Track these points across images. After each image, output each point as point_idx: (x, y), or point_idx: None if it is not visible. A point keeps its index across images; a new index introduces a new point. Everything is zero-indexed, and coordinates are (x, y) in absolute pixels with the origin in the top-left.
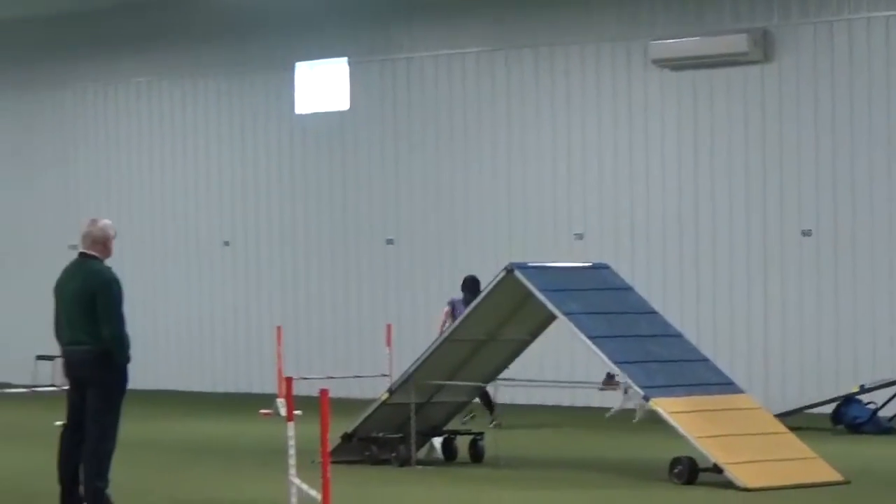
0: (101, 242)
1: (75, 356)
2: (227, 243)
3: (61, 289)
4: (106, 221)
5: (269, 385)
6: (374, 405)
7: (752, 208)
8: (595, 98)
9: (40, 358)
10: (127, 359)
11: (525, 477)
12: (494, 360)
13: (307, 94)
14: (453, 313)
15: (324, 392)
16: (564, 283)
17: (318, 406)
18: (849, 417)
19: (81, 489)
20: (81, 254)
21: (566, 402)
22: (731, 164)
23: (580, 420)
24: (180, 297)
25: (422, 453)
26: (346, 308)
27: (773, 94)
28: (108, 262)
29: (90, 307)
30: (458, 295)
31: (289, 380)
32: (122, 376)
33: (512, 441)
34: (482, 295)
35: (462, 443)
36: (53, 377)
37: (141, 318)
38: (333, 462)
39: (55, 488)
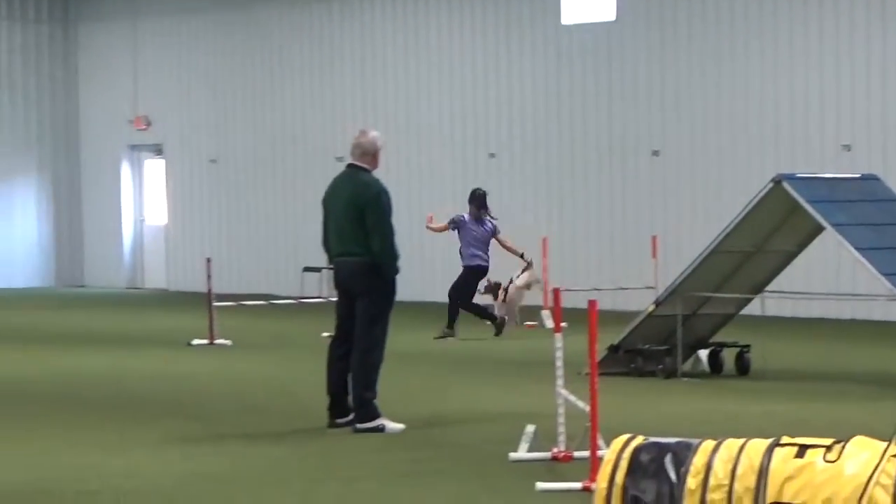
0: (371, 154)
1: (344, 268)
2: (492, 155)
3: (330, 200)
4: (375, 133)
5: (534, 297)
6: (641, 317)
7: None
8: (864, 5)
9: (307, 269)
10: (396, 270)
11: (791, 390)
12: (761, 272)
13: (573, 4)
14: (459, 232)
15: (592, 303)
16: (832, 195)
17: (581, 318)
18: None
19: (349, 399)
20: (350, 165)
21: (833, 315)
22: None
23: (847, 332)
24: (446, 210)
25: (687, 365)
26: (611, 220)
27: None
28: (375, 174)
29: (360, 219)
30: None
31: (556, 291)
32: (391, 287)
33: (778, 354)
34: (749, 206)
35: (728, 355)
36: (320, 288)
37: (408, 230)
38: (599, 374)
39: (324, 398)
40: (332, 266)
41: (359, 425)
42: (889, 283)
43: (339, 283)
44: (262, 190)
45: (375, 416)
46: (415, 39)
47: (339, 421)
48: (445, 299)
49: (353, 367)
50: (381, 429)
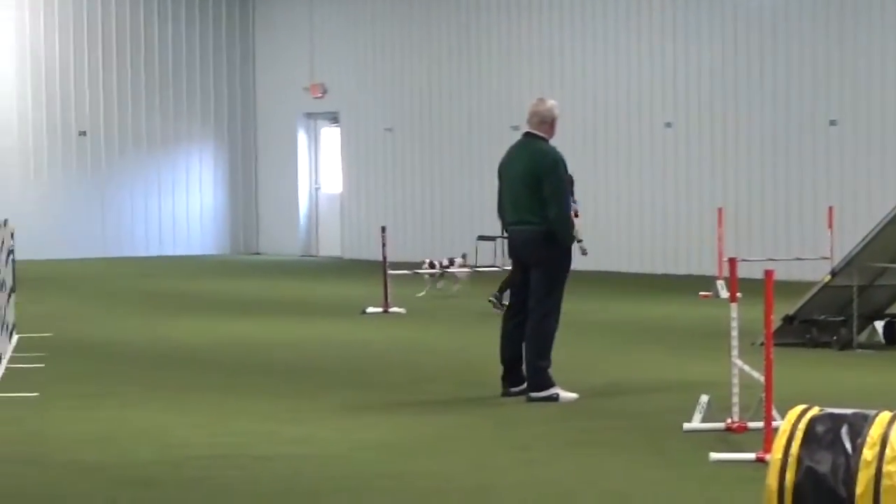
0: (548, 122)
1: (519, 237)
2: (668, 125)
3: (506, 169)
4: (552, 101)
5: (708, 267)
6: (816, 287)
7: None
8: None
9: (481, 238)
10: (571, 239)
11: None
12: None
13: None
14: None
15: (769, 273)
16: None
17: (756, 288)
18: None
19: (523, 368)
20: (527, 133)
21: None
22: None
23: None
24: (622, 179)
25: (863, 336)
26: (786, 190)
27: None
28: (551, 143)
29: (536, 187)
30: None
31: (732, 261)
32: (566, 257)
33: None
34: None
35: None
36: (494, 257)
37: (583, 200)
38: (774, 344)
39: (497, 367)
40: (506, 235)
41: (532, 394)
42: None
43: (514, 252)
44: (438, 158)
45: (549, 385)
46: (591, 8)
47: (513, 390)
48: (622, 268)
49: (527, 336)
50: (554, 398)
